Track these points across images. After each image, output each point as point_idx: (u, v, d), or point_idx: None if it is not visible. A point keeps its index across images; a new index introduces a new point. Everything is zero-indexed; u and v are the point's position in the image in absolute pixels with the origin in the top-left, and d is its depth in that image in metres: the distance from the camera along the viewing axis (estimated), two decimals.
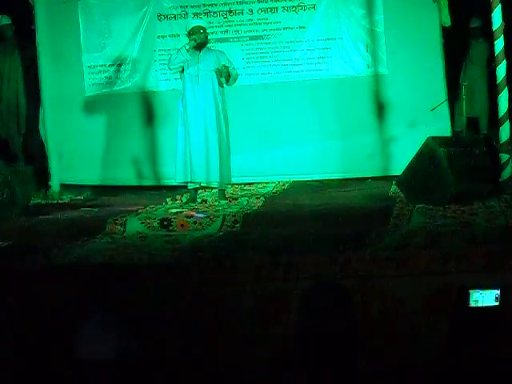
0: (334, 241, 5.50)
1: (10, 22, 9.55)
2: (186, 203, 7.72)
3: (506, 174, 6.97)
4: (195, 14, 9.16)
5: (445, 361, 3.36)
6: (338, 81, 9.15)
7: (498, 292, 3.32)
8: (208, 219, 6.60)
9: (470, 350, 3.19)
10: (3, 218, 6.80)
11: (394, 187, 7.66)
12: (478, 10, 8.10)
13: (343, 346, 2.61)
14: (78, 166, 9.25)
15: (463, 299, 3.29)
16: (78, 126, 9.31)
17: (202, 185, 7.85)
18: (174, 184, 8.14)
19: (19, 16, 9.39)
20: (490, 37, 7.15)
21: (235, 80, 7.79)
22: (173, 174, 8.04)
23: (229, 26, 9.22)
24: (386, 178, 8.59)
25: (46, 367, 4.68)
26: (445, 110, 8.82)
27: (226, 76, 7.64)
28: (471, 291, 3.30)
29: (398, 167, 7.94)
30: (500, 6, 6.88)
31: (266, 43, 9.24)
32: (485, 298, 3.30)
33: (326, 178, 9.02)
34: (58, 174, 8.83)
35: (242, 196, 8.06)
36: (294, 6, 9.15)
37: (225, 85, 7.74)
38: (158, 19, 9.29)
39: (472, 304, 3.29)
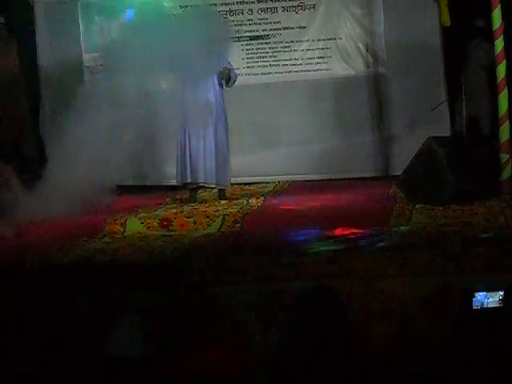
0: (334, 241, 5.50)
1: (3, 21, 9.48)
2: (186, 203, 7.73)
3: (505, 174, 6.97)
4: None
5: (446, 361, 3.36)
6: (337, 81, 9.15)
7: (502, 294, 3.31)
8: (208, 219, 6.60)
9: (473, 351, 3.19)
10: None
11: (394, 187, 7.66)
12: (478, 9, 8.09)
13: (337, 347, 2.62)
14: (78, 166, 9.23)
15: (467, 301, 3.29)
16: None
17: (202, 185, 7.87)
18: (174, 184, 8.14)
19: (19, 16, 9.38)
20: (490, 36, 7.15)
21: (235, 82, 7.84)
22: (173, 175, 8.05)
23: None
24: (386, 178, 8.59)
25: (43, 365, 4.69)
26: (445, 110, 8.83)
27: (226, 79, 7.71)
28: (475, 293, 3.29)
29: (398, 167, 7.94)
30: (500, 6, 6.88)
31: (265, 43, 9.24)
32: (489, 299, 3.30)
33: (326, 177, 9.02)
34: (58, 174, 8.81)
35: (242, 196, 8.06)
36: (294, 6, 9.15)
37: (224, 86, 7.80)
38: None
39: (476, 306, 3.28)
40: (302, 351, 2.64)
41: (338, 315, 2.69)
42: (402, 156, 7.94)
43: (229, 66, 7.77)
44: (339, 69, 9.16)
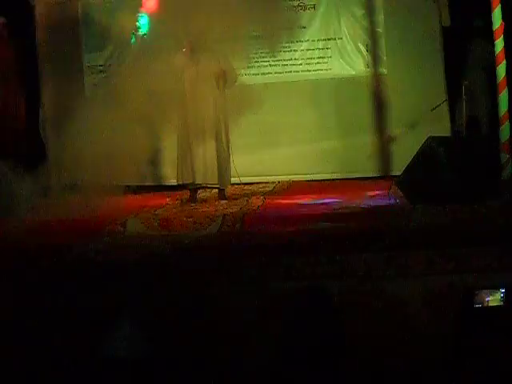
0: (334, 241, 5.50)
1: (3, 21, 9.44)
2: (185, 203, 7.73)
3: (505, 174, 6.97)
4: None
5: (447, 361, 3.36)
6: (337, 80, 9.15)
7: (504, 292, 3.32)
8: (208, 219, 6.60)
9: (475, 349, 3.20)
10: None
11: (394, 187, 7.65)
12: (478, 9, 8.09)
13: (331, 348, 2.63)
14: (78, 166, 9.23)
15: (467, 301, 3.29)
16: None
17: (202, 185, 7.87)
18: (174, 184, 8.14)
19: (19, 16, 9.38)
20: (491, 36, 7.16)
21: (235, 82, 7.83)
22: (173, 175, 8.05)
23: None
24: (386, 178, 8.59)
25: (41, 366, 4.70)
26: (445, 109, 8.83)
27: (224, 80, 7.71)
28: (477, 291, 3.30)
29: (398, 167, 7.94)
30: (500, 6, 6.89)
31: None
32: (490, 298, 3.30)
33: (326, 178, 9.03)
34: (58, 174, 8.82)
35: (242, 196, 8.07)
36: (294, 6, 9.16)
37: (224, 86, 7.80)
38: None
39: (477, 304, 3.29)
40: (301, 351, 2.65)
41: (337, 315, 2.69)
42: (402, 156, 7.94)
43: (228, 66, 7.77)
44: (339, 69, 9.16)
